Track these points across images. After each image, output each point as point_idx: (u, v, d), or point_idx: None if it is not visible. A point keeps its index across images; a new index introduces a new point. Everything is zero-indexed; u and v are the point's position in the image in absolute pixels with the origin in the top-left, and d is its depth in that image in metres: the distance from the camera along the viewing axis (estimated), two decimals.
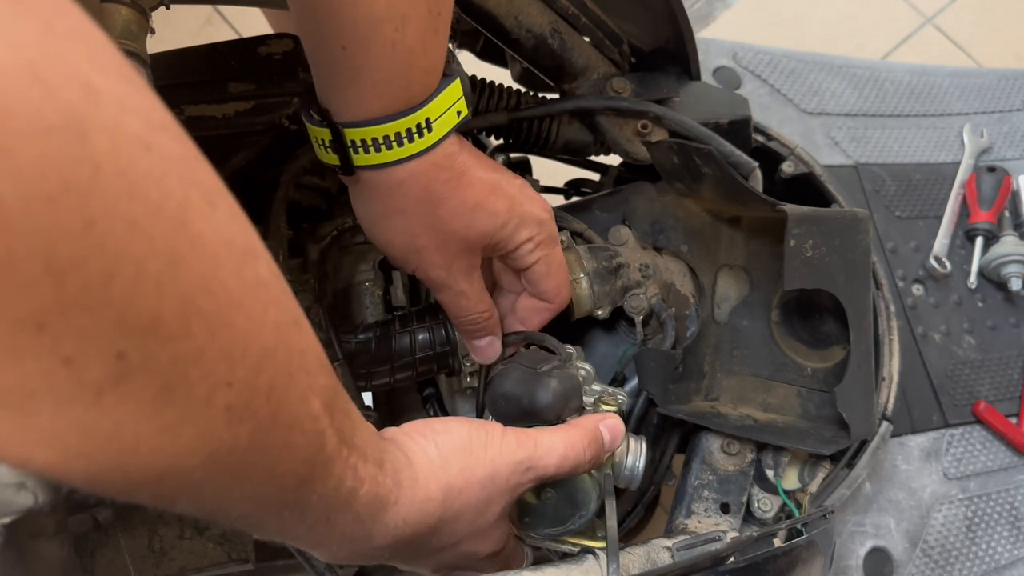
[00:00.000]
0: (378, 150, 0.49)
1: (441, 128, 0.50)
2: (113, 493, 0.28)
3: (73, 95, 0.21)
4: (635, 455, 0.56)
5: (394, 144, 0.48)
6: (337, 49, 0.46)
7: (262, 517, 0.35)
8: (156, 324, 0.25)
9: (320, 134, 0.50)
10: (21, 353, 0.22)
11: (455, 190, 0.51)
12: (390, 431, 0.46)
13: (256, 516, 0.35)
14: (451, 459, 0.45)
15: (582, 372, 0.58)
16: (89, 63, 0.22)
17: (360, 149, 0.49)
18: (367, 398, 0.71)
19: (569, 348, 0.61)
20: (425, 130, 0.49)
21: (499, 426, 0.49)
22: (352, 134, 0.49)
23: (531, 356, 0.59)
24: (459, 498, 0.45)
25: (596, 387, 0.58)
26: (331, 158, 0.51)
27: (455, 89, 0.50)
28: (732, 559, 0.52)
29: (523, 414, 0.55)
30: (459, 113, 0.51)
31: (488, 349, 0.60)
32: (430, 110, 0.49)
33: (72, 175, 0.21)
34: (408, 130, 0.48)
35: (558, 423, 0.54)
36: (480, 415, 0.63)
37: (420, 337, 0.63)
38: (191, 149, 0.27)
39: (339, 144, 0.49)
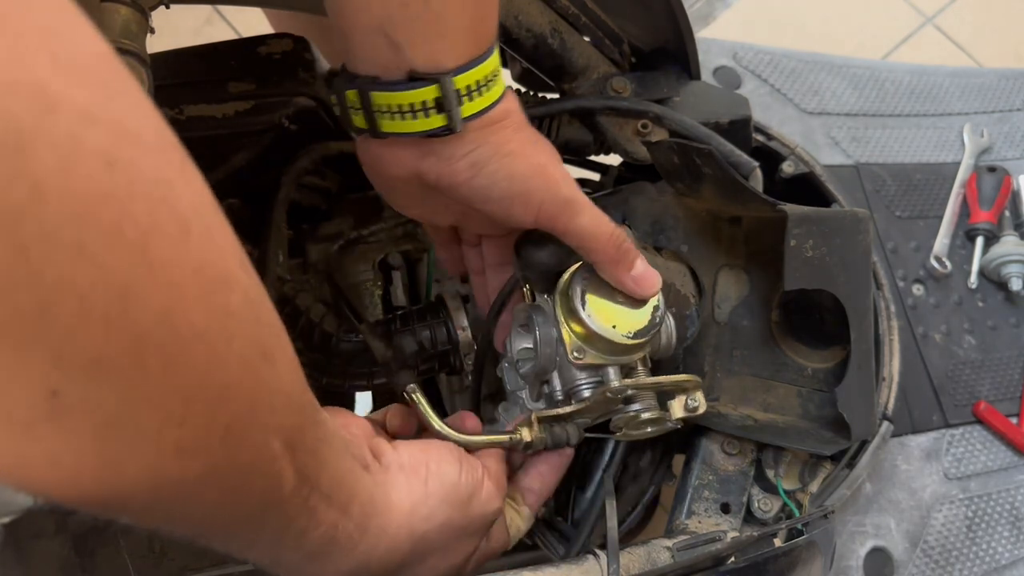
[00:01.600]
0: (480, 93, 0.48)
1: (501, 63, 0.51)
2: (55, 504, 0.27)
3: (17, 104, 0.19)
4: (668, 332, 0.57)
5: (491, 84, 0.48)
6: (417, 5, 0.44)
7: (209, 540, 0.34)
8: (99, 362, 0.22)
9: (420, 96, 0.46)
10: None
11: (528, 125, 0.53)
12: (388, 455, 0.45)
13: (202, 539, 0.34)
14: (436, 511, 0.44)
15: None
16: (51, 67, 0.20)
17: (464, 98, 0.47)
18: (367, 398, 0.71)
19: None
20: (501, 66, 0.50)
21: (481, 468, 0.49)
22: (459, 81, 0.47)
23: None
24: (428, 546, 0.44)
25: None
26: (431, 122, 0.47)
27: None
28: (732, 559, 0.52)
29: (564, 258, 0.53)
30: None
31: (649, 270, 0.53)
32: (497, 46, 0.50)
33: (2, 194, 0.19)
34: (495, 68, 0.49)
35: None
36: (476, 410, 0.63)
37: (421, 336, 0.63)
38: (172, 163, 0.25)
39: (449, 98, 0.46)
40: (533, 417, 0.53)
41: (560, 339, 0.53)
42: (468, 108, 0.47)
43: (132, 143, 0.22)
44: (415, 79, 0.46)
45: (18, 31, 0.19)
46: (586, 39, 0.70)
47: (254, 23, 1.01)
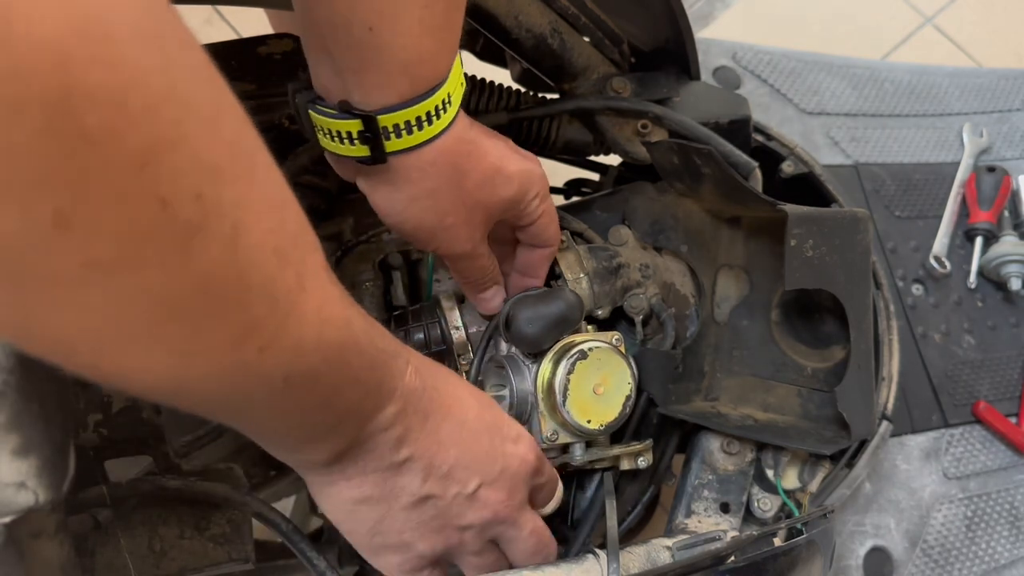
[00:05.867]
0: (410, 132, 0.48)
1: (456, 100, 0.50)
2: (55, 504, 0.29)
3: None
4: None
5: (424, 124, 0.48)
6: (361, 31, 0.44)
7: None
8: (218, 166, 0.27)
9: (344, 127, 0.48)
10: (128, 195, 0.24)
11: (476, 161, 0.52)
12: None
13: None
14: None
15: None
16: None
17: (392, 134, 0.48)
18: None
19: None
20: (448, 104, 0.49)
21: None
22: (385, 120, 0.47)
23: (525, 294, 0.62)
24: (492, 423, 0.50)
25: None
26: (357, 150, 0.48)
27: (458, 59, 0.50)
28: (732, 559, 0.52)
29: (550, 328, 0.58)
30: (462, 83, 0.51)
31: (496, 298, 0.61)
32: (449, 84, 0.48)
33: (149, 24, 0.24)
34: (436, 108, 0.48)
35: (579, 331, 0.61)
36: None
37: (415, 337, 0.63)
38: None
39: (371, 133, 0.47)
40: None
41: (534, 395, 0.59)
42: (395, 144, 0.48)
43: None
44: (344, 110, 0.47)
45: None
46: (586, 39, 0.70)
47: (254, 23, 1.01)
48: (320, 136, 0.50)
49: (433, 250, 0.56)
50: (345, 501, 0.45)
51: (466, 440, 0.47)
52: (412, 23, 0.45)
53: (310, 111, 0.49)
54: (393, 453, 0.44)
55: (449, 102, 0.49)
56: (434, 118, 0.48)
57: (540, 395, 0.59)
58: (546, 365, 0.59)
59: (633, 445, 0.63)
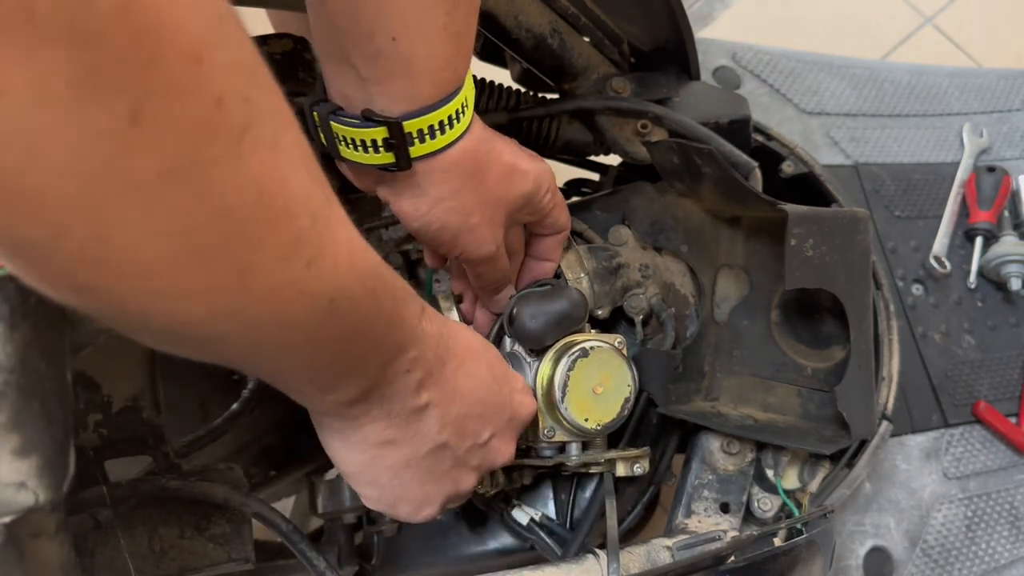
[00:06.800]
0: (433, 136, 0.49)
1: (471, 103, 0.51)
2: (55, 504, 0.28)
3: None
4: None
5: (446, 127, 0.49)
6: (385, 41, 0.45)
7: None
8: (255, 71, 0.28)
9: (369, 135, 0.48)
10: (189, 90, 0.25)
11: (495, 159, 0.53)
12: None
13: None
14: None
15: None
16: None
17: (416, 140, 0.48)
18: None
19: None
20: (467, 107, 0.50)
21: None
22: (410, 126, 0.48)
23: (530, 290, 0.63)
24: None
25: None
26: (382, 158, 0.49)
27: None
28: (732, 558, 0.52)
29: (553, 325, 0.58)
30: (472, 86, 0.52)
31: (507, 296, 0.63)
32: (467, 87, 0.50)
33: None
34: (456, 111, 0.49)
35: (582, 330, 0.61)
36: None
37: None
38: None
39: (396, 140, 0.48)
40: None
41: (534, 392, 0.59)
42: (419, 149, 0.49)
43: None
44: (368, 119, 0.48)
45: None
46: (586, 39, 0.70)
47: (254, 23, 1.01)
48: (342, 147, 0.51)
49: (458, 254, 0.56)
50: (371, 444, 0.46)
51: (479, 391, 0.49)
52: (436, 31, 0.45)
53: (332, 122, 0.49)
54: (415, 397, 0.45)
55: (467, 105, 0.50)
56: (455, 121, 0.49)
57: (540, 392, 0.59)
58: (547, 362, 0.59)
59: (630, 451, 0.63)
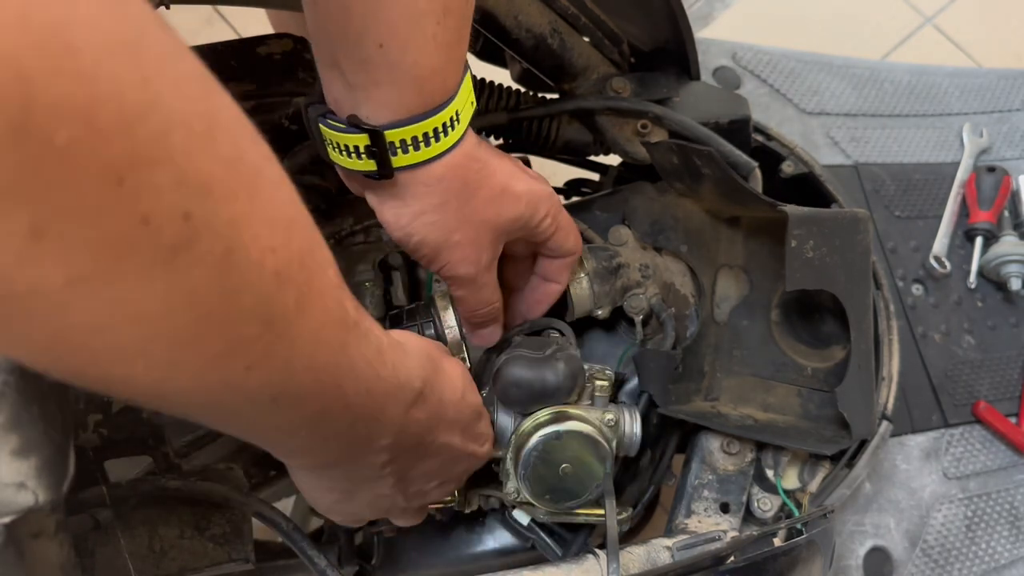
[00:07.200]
0: (417, 148, 0.48)
1: (465, 118, 0.50)
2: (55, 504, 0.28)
3: None
4: (631, 423, 0.60)
5: (432, 140, 0.48)
6: (372, 48, 0.44)
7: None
8: (210, 184, 0.26)
9: (352, 141, 0.48)
10: (105, 210, 0.23)
11: (485, 178, 0.51)
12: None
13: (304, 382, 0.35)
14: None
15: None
16: None
17: (399, 150, 0.48)
18: None
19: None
20: (456, 122, 0.49)
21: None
22: (392, 135, 0.47)
23: (531, 341, 0.60)
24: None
25: (585, 364, 0.60)
26: (364, 164, 0.49)
27: (468, 77, 0.50)
28: (732, 559, 0.52)
29: (535, 398, 0.57)
30: (472, 103, 0.51)
31: (493, 335, 0.61)
32: (458, 101, 0.48)
33: (123, 35, 0.23)
34: (444, 124, 0.48)
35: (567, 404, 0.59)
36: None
37: None
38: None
39: (378, 148, 0.47)
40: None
41: (508, 444, 0.58)
42: (402, 159, 0.48)
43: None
44: (353, 124, 0.47)
45: None
46: (586, 39, 0.70)
47: (254, 23, 1.01)
48: (330, 150, 0.51)
49: (437, 270, 0.54)
50: (318, 489, 0.48)
51: (445, 461, 0.50)
52: (426, 40, 0.45)
53: (320, 125, 0.50)
54: (377, 470, 0.45)
55: (457, 119, 0.49)
56: (442, 135, 0.48)
57: (511, 449, 0.58)
58: (527, 425, 0.58)
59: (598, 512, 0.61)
